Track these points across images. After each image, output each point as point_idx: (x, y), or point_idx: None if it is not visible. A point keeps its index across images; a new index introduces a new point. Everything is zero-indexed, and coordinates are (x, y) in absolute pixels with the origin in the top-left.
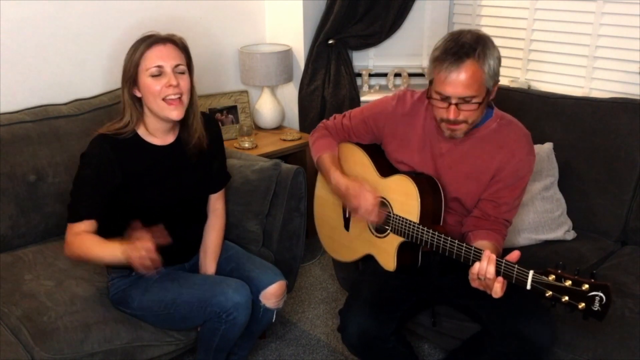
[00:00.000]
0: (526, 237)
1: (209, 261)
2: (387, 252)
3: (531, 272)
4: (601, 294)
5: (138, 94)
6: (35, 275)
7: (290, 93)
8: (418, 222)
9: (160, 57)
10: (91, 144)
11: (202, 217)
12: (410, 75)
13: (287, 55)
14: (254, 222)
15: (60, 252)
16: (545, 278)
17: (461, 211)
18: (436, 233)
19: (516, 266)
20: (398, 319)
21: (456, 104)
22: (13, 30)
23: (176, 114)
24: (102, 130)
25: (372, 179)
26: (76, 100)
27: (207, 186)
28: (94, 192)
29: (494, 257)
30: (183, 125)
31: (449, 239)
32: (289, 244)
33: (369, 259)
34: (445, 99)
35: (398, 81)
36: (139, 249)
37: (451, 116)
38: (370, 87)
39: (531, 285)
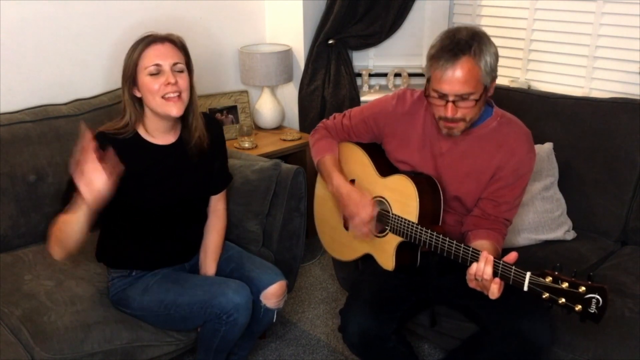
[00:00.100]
0: (526, 237)
1: (209, 262)
2: (386, 251)
3: (528, 274)
4: (598, 297)
5: (138, 94)
6: (35, 275)
7: (290, 93)
8: (417, 222)
9: (158, 56)
10: None
11: (202, 217)
12: (410, 75)
13: (287, 55)
14: (254, 222)
15: None
16: (543, 280)
17: (461, 210)
18: (434, 233)
19: (513, 267)
20: (398, 318)
21: (453, 102)
22: (13, 30)
23: (176, 110)
24: (102, 129)
25: (371, 179)
26: (76, 100)
27: (207, 186)
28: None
29: (491, 258)
30: (184, 124)
31: (447, 239)
32: (289, 244)
33: (368, 259)
34: (443, 96)
35: (398, 81)
36: (84, 172)
37: (449, 114)
38: (370, 87)
39: (528, 286)
